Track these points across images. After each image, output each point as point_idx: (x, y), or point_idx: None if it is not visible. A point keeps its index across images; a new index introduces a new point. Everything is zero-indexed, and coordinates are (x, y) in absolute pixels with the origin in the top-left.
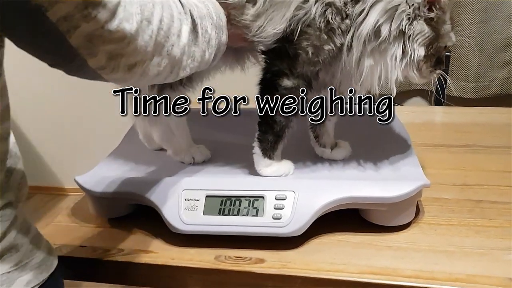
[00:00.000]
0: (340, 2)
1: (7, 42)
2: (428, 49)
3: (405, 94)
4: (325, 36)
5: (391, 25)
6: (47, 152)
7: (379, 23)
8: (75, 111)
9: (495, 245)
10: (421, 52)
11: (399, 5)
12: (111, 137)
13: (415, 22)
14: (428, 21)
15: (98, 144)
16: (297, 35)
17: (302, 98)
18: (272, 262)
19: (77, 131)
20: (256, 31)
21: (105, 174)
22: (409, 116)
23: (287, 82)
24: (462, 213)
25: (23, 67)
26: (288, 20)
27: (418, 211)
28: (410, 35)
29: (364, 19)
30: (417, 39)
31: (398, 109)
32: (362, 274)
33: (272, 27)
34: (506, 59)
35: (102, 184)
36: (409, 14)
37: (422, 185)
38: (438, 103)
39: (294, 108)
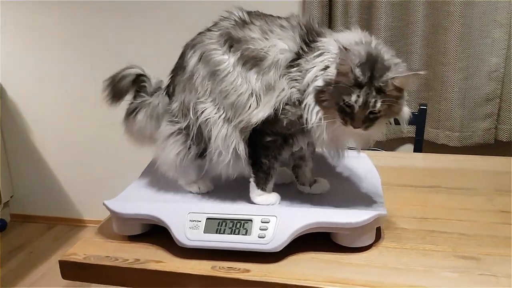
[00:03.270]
0: (300, 83)
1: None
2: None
3: (397, 141)
4: (299, 112)
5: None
6: (69, 187)
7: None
8: (96, 152)
9: (436, 265)
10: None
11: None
12: (126, 174)
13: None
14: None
15: (113, 181)
16: (280, 112)
17: (280, 147)
18: (257, 272)
19: (96, 169)
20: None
21: (128, 200)
22: (390, 160)
23: (267, 138)
24: (416, 240)
25: (49, 105)
26: (273, 106)
27: (379, 237)
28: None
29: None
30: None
31: (381, 154)
32: (326, 283)
33: (262, 114)
34: (487, 112)
35: (125, 207)
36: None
37: (378, 214)
38: (418, 149)
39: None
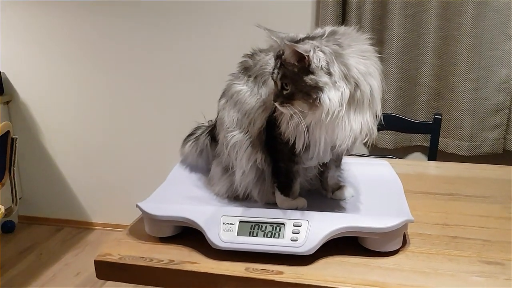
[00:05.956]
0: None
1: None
2: (276, 63)
3: (407, 149)
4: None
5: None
6: (77, 189)
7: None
8: (105, 155)
9: (463, 270)
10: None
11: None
12: (134, 178)
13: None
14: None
15: (122, 184)
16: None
17: (291, 149)
18: (289, 274)
19: (105, 172)
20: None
21: (160, 202)
22: (406, 168)
23: (278, 141)
24: (440, 245)
25: (58, 107)
26: (270, 105)
27: (405, 242)
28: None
29: None
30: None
31: (396, 162)
32: (358, 285)
33: (265, 115)
34: (496, 122)
35: (159, 209)
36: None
37: (406, 220)
38: (432, 158)
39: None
